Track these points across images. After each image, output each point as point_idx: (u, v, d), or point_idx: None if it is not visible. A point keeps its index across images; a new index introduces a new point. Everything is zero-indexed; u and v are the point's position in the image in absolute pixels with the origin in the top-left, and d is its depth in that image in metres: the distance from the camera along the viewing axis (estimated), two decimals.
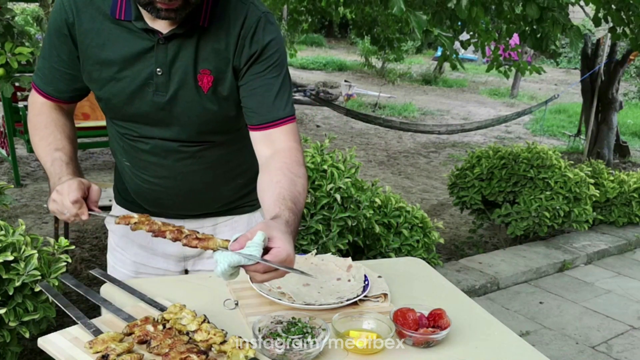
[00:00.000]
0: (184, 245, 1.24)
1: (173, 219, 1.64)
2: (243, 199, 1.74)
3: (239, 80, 1.48)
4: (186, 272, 1.82)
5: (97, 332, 1.29)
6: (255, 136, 1.50)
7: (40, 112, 1.58)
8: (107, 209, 1.88)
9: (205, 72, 1.45)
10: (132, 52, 1.44)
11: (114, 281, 1.53)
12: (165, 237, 1.27)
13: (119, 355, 1.20)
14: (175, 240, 1.26)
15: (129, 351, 1.22)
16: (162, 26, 1.41)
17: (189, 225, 1.58)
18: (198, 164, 1.58)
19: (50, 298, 1.48)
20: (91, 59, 1.47)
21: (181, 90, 1.46)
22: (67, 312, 1.38)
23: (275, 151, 1.46)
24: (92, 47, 1.46)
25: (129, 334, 1.26)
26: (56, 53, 1.50)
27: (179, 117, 1.49)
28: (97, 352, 1.22)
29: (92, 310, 1.51)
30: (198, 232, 1.25)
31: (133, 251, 1.77)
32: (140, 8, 1.38)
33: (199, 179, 1.61)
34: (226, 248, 1.20)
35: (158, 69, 1.44)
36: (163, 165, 1.57)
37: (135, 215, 1.34)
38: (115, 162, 1.77)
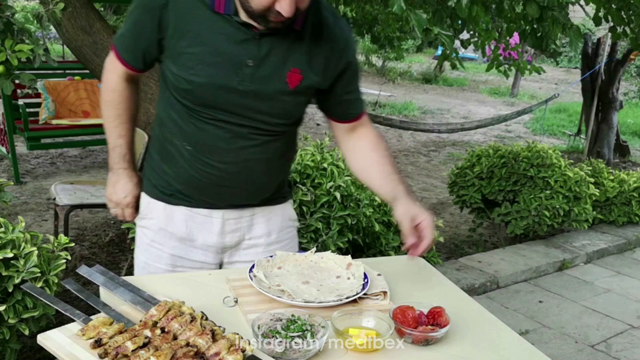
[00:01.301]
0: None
1: (216, 209, 1.72)
2: (280, 191, 1.83)
3: (331, 83, 1.65)
4: (220, 266, 1.83)
5: (86, 320, 1.30)
6: (343, 127, 1.77)
7: (114, 88, 1.72)
8: (106, 206, 1.91)
9: (295, 71, 1.57)
10: (227, 41, 1.52)
11: (114, 278, 1.53)
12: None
13: (110, 337, 1.21)
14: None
15: (120, 332, 1.23)
16: (258, 24, 1.50)
17: (228, 215, 1.74)
18: (263, 152, 1.66)
19: (36, 295, 1.49)
20: (184, 40, 1.53)
21: (268, 84, 1.56)
22: (53, 306, 1.39)
23: (361, 136, 1.76)
24: (186, 31, 1.53)
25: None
26: (140, 27, 1.59)
27: (260, 107, 1.58)
28: (90, 338, 1.23)
29: (92, 309, 1.51)
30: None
31: (171, 244, 1.75)
32: (245, 13, 1.48)
33: (259, 167, 1.67)
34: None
35: (249, 61, 1.53)
36: (231, 151, 1.62)
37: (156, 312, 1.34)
38: (152, 152, 1.79)
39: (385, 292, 1.56)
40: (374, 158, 1.74)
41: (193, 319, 1.29)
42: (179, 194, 1.72)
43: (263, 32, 1.51)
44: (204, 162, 1.64)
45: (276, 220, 1.82)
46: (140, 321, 1.28)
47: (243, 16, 1.50)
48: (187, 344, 1.22)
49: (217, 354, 1.19)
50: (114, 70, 1.70)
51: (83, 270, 1.54)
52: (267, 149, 1.66)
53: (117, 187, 1.78)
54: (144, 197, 1.79)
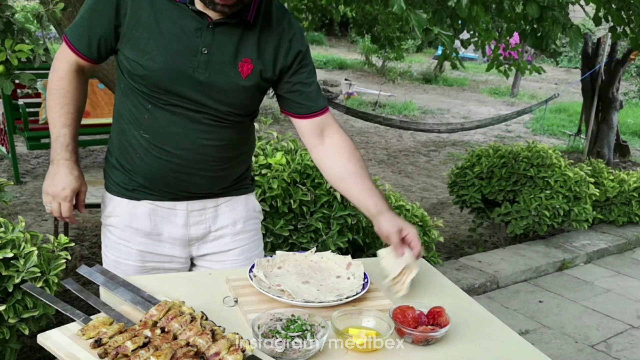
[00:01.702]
0: None
1: (179, 201, 1.74)
2: (243, 182, 1.85)
3: (283, 76, 1.70)
4: (192, 260, 1.85)
5: (86, 320, 1.30)
6: (304, 124, 1.76)
7: (62, 76, 1.69)
8: (98, 206, 1.91)
9: (247, 61, 1.63)
10: (182, 28, 1.58)
11: (114, 278, 1.53)
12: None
13: (110, 337, 1.21)
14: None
15: (120, 332, 1.23)
16: (213, 13, 1.56)
17: (192, 206, 1.76)
18: (218, 140, 1.68)
19: (36, 295, 1.49)
20: (141, 26, 1.57)
21: (221, 72, 1.61)
22: (53, 306, 1.39)
23: (333, 143, 1.76)
24: (145, 17, 1.57)
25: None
26: (96, 16, 1.61)
27: (213, 95, 1.63)
28: (90, 338, 1.23)
29: (92, 307, 1.51)
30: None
31: (138, 240, 1.77)
32: None
33: (215, 154, 1.70)
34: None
35: (203, 49, 1.58)
36: (187, 136, 1.65)
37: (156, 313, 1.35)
38: (111, 149, 1.79)
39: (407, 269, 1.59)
40: (351, 169, 1.73)
41: (193, 319, 1.29)
42: (141, 188, 1.73)
43: (217, 21, 1.58)
44: (160, 150, 1.66)
45: (240, 210, 1.85)
46: (140, 321, 1.28)
47: (199, 5, 1.56)
48: (187, 344, 1.22)
49: (217, 354, 1.19)
50: (64, 59, 1.69)
51: (83, 270, 1.54)
52: (222, 136, 1.69)
53: (56, 179, 1.69)
54: (107, 195, 1.80)
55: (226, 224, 1.82)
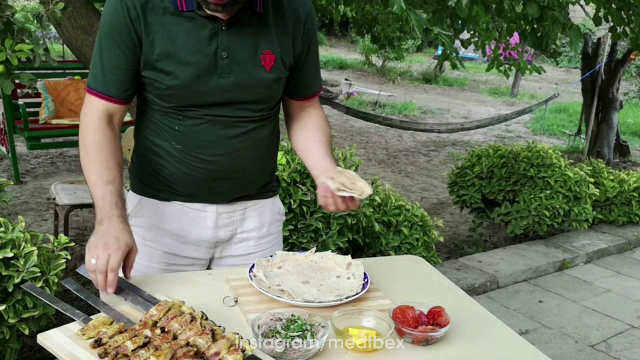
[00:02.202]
0: None
1: (210, 204, 1.72)
2: (270, 184, 1.86)
3: (298, 60, 1.69)
4: (210, 260, 1.83)
5: (86, 319, 1.30)
6: (297, 104, 1.80)
7: (96, 130, 1.59)
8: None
9: (268, 52, 1.61)
10: (197, 39, 1.55)
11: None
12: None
13: (110, 337, 1.21)
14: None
15: (120, 332, 1.23)
16: (222, 14, 1.53)
17: (222, 209, 1.74)
18: (251, 140, 1.68)
19: (36, 295, 1.49)
20: (157, 50, 1.54)
21: (245, 71, 1.59)
22: (53, 305, 1.39)
23: (311, 115, 1.81)
24: (157, 38, 1.54)
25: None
26: (118, 51, 1.56)
27: (242, 95, 1.61)
28: (90, 338, 1.23)
29: (92, 307, 1.51)
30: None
31: (164, 241, 1.74)
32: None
33: (249, 155, 1.69)
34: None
35: (223, 53, 1.56)
36: (220, 142, 1.64)
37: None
38: (136, 157, 1.76)
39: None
40: (318, 137, 1.77)
41: (193, 318, 1.29)
42: (170, 190, 1.71)
43: (229, 21, 1.55)
44: (195, 158, 1.65)
45: (267, 214, 1.85)
46: (140, 321, 1.29)
47: (207, 9, 1.53)
48: (187, 344, 1.22)
49: (217, 353, 1.19)
50: (92, 112, 1.60)
51: (83, 270, 1.54)
52: (254, 136, 1.69)
53: (110, 232, 1.45)
54: (133, 196, 1.77)
55: (252, 227, 1.81)
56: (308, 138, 1.78)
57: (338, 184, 1.55)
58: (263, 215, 1.83)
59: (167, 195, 1.72)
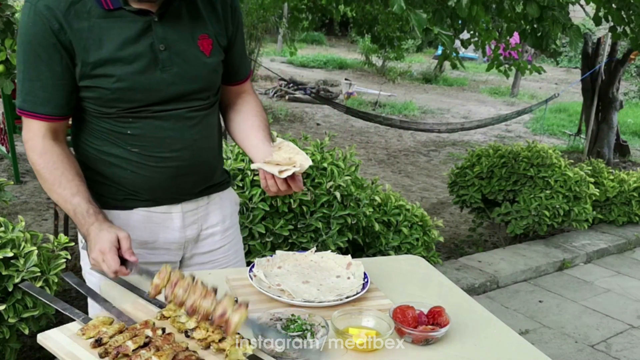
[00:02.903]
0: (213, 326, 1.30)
1: (175, 204, 1.69)
2: (224, 175, 1.86)
3: (230, 42, 1.68)
4: (180, 262, 1.80)
5: (86, 319, 1.30)
6: (232, 90, 1.79)
7: (43, 151, 1.53)
8: None
9: (204, 37, 1.60)
10: (130, 37, 1.49)
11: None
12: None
13: (111, 337, 1.21)
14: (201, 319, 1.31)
15: (121, 331, 1.24)
16: (150, 5, 1.49)
17: (186, 208, 1.71)
18: (206, 129, 1.68)
19: (36, 295, 1.49)
20: (92, 57, 1.47)
21: (186, 60, 1.56)
22: (53, 305, 1.38)
23: (246, 102, 1.81)
24: (90, 45, 1.47)
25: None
26: (46, 68, 1.48)
27: (189, 84, 1.59)
28: (90, 338, 1.23)
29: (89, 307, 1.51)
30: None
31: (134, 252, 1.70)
32: None
33: (207, 145, 1.69)
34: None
35: (160, 45, 1.52)
36: (178, 137, 1.61)
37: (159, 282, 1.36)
38: (87, 169, 1.65)
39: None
40: (256, 123, 1.76)
41: (194, 280, 1.31)
42: (132, 197, 1.65)
43: (160, 12, 1.51)
44: (156, 159, 1.60)
45: (227, 206, 1.85)
46: (148, 293, 1.32)
47: (134, 3, 1.49)
48: (187, 348, 1.23)
49: (222, 314, 1.22)
50: (34, 135, 1.54)
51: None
52: (208, 124, 1.68)
53: (91, 244, 1.46)
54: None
55: (216, 221, 1.80)
56: (246, 125, 1.77)
57: (275, 167, 1.52)
58: (224, 208, 1.83)
59: (130, 203, 1.66)
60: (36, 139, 1.53)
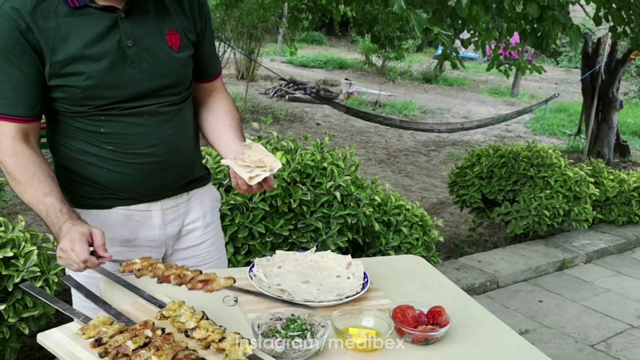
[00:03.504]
0: (190, 289, 1.44)
1: (154, 202, 1.69)
2: (204, 171, 1.86)
3: (198, 38, 1.68)
4: (163, 259, 1.80)
5: (86, 319, 1.30)
6: (203, 88, 1.80)
7: (14, 152, 1.52)
8: None
9: (172, 32, 1.60)
10: (97, 33, 1.49)
11: (110, 275, 1.53)
12: (169, 282, 1.45)
13: (111, 337, 1.21)
14: (179, 284, 1.44)
15: (121, 331, 1.24)
16: (117, 1, 1.50)
17: (166, 205, 1.71)
18: (180, 123, 1.68)
19: (36, 295, 1.49)
20: (60, 55, 1.47)
21: (155, 55, 1.57)
22: (53, 305, 1.39)
23: (218, 99, 1.81)
24: (57, 44, 1.47)
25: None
26: (16, 69, 1.47)
27: (159, 79, 1.59)
28: (90, 337, 1.23)
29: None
30: (200, 273, 1.46)
31: (113, 250, 1.61)
32: None
33: (182, 139, 1.70)
34: (230, 286, 1.46)
35: (128, 41, 1.52)
36: (153, 132, 1.61)
37: (138, 260, 1.48)
38: (62, 169, 1.67)
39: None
40: (228, 122, 1.77)
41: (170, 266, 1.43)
42: (110, 196, 1.65)
43: (126, 8, 1.51)
44: (132, 155, 1.60)
45: (207, 202, 1.85)
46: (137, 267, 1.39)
47: (100, 0, 1.49)
48: (187, 348, 1.22)
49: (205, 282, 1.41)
50: (5, 138, 1.52)
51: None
52: (182, 118, 1.68)
53: (61, 245, 1.44)
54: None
55: (197, 217, 1.80)
56: (218, 123, 1.77)
57: (245, 169, 1.53)
58: (204, 204, 1.83)
59: (109, 202, 1.66)
60: (6, 141, 1.52)
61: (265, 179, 1.53)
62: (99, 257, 1.42)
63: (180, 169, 1.72)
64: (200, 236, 1.82)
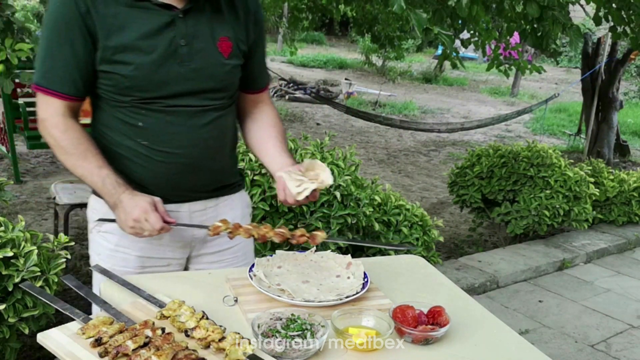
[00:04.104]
0: (294, 243, 1.56)
1: (182, 203, 1.71)
2: (236, 177, 1.87)
3: (250, 49, 1.71)
4: (187, 260, 1.81)
5: (86, 319, 1.30)
6: (249, 98, 1.82)
7: (65, 127, 1.58)
8: None
9: (224, 39, 1.63)
10: (153, 28, 1.54)
11: (114, 277, 1.53)
12: (268, 240, 1.57)
13: (111, 337, 1.21)
14: (282, 241, 1.55)
15: (121, 331, 1.23)
16: (176, 1, 1.55)
17: (194, 208, 1.73)
18: (217, 129, 1.69)
19: (36, 294, 1.49)
20: (113, 42, 1.52)
21: (205, 58, 1.60)
22: (53, 305, 1.39)
23: (264, 111, 1.84)
24: (113, 31, 1.52)
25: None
26: (70, 49, 1.52)
27: (204, 82, 1.62)
28: (90, 337, 1.23)
29: (91, 307, 1.51)
30: (304, 231, 1.56)
31: (139, 246, 1.69)
32: None
33: (217, 145, 1.71)
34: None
35: (181, 40, 1.56)
36: (188, 134, 1.63)
37: (220, 223, 1.58)
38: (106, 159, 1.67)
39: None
40: (273, 133, 1.80)
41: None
42: (142, 191, 1.65)
43: (184, 8, 1.56)
44: (164, 153, 1.63)
45: (238, 208, 1.86)
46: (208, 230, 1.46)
47: None
48: (187, 347, 1.22)
49: (302, 234, 1.51)
50: (53, 112, 1.57)
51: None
52: (220, 125, 1.69)
53: (127, 209, 1.53)
54: (100, 201, 1.66)
55: None
56: (263, 135, 1.80)
57: (295, 183, 1.57)
58: (235, 211, 1.83)
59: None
60: (57, 117, 1.58)
61: (311, 193, 1.58)
62: (166, 222, 1.55)
63: (210, 174, 1.73)
64: (228, 241, 1.79)
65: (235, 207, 1.84)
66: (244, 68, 1.72)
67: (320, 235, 1.54)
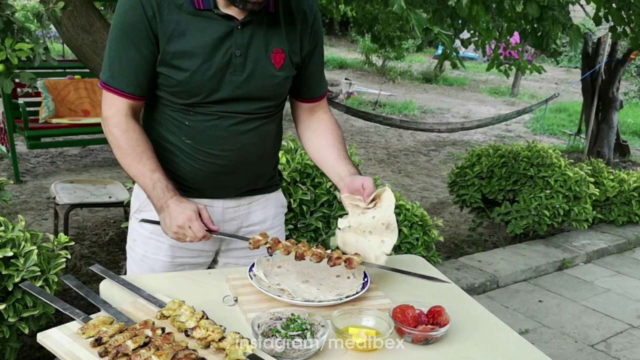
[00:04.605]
0: (331, 266, 1.56)
1: (215, 199, 1.76)
2: (274, 178, 1.91)
3: (304, 60, 1.74)
4: (217, 253, 1.86)
5: (86, 319, 1.30)
6: (305, 107, 1.87)
7: (126, 128, 1.65)
8: (106, 205, 1.88)
9: (278, 51, 1.67)
10: (213, 38, 1.59)
11: (114, 277, 1.54)
12: (303, 259, 1.58)
13: (111, 336, 1.21)
14: (319, 261, 1.56)
15: (121, 331, 1.24)
16: (236, 12, 1.60)
17: (227, 204, 1.79)
18: (259, 135, 1.73)
19: (35, 294, 1.49)
20: (173, 47, 1.58)
21: (256, 69, 1.64)
22: (53, 305, 1.39)
23: (321, 119, 1.87)
24: (174, 37, 1.58)
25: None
26: (136, 50, 1.59)
27: (254, 92, 1.67)
28: (90, 337, 1.23)
29: (91, 307, 1.51)
30: (340, 253, 1.58)
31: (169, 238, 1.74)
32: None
33: (257, 150, 1.75)
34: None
35: (237, 51, 1.61)
36: (230, 138, 1.68)
37: (260, 237, 1.61)
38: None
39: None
40: (331, 141, 1.83)
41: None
42: (179, 184, 1.73)
43: (243, 20, 1.60)
44: (205, 154, 1.69)
45: (271, 208, 1.90)
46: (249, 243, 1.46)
47: (222, 7, 1.59)
48: (187, 347, 1.22)
49: (338, 257, 1.52)
50: (117, 111, 1.65)
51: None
52: (262, 131, 1.74)
53: (173, 214, 1.59)
54: (142, 192, 1.75)
55: (257, 221, 1.86)
56: (321, 143, 1.84)
57: (355, 210, 1.63)
58: (267, 210, 1.88)
59: (178, 191, 1.72)
60: (120, 116, 1.65)
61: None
62: (208, 230, 1.61)
63: (247, 176, 1.78)
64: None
65: (268, 205, 1.88)
66: (300, 78, 1.77)
67: (357, 260, 1.54)
